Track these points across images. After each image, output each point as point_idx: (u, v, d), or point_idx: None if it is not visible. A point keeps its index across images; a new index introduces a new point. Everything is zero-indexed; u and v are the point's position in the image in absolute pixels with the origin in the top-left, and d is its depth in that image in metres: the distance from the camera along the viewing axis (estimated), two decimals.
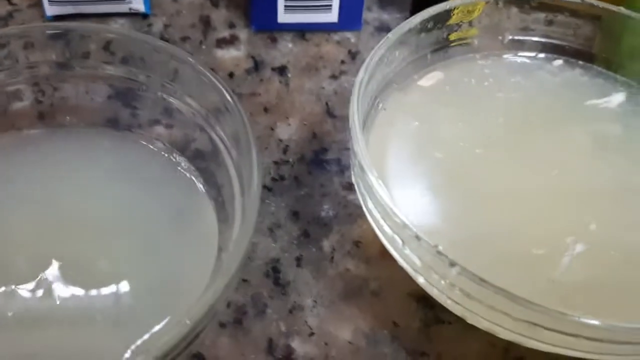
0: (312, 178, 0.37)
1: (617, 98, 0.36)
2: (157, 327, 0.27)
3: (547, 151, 0.33)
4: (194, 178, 0.33)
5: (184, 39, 0.44)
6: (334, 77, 0.42)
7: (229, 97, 0.29)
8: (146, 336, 0.27)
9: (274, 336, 0.31)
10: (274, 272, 0.34)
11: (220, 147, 0.31)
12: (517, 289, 0.27)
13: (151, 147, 0.34)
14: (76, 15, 0.44)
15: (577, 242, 0.30)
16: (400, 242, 0.26)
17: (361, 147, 0.28)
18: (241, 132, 0.29)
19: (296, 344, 0.31)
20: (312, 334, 0.32)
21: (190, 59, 0.31)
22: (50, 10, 0.43)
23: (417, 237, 0.25)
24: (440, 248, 0.24)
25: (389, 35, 0.32)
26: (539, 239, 0.30)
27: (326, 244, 0.35)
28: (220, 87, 0.29)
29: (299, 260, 0.34)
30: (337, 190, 0.37)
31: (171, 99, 0.33)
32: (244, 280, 0.33)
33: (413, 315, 0.32)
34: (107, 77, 0.34)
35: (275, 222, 0.35)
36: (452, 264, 0.24)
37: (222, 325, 0.32)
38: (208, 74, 0.30)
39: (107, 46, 0.34)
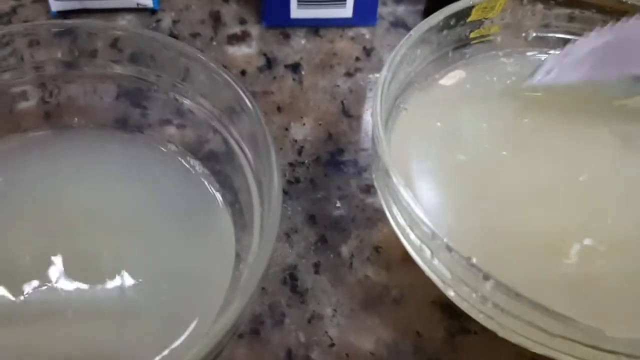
0: (329, 180, 0.36)
1: None
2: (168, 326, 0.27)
3: (575, 154, 0.32)
4: (207, 181, 0.32)
5: (194, 35, 0.42)
6: (348, 74, 0.41)
7: (244, 97, 0.28)
8: (166, 352, 0.26)
9: (293, 347, 0.30)
10: (291, 279, 0.32)
11: (235, 149, 0.30)
12: (550, 300, 0.26)
13: (162, 149, 0.33)
14: (82, 11, 0.43)
15: (609, 253, 0.28)
16: (428, 252, 0.25)
17: (385, 151, 0.26)
18: (258, 134, 0.27)
19: (316, 355, 0.30)
20: (332, 344, 0.30)
21: (202, 57, 0.29)
22: (55, 5, 0.42)
23: (449, 248, 0.24)
24: (474, 260, 0.23)
25: (411, 32, 0.31)
26: (570, 249, 0.28)
27: (344, 250, 0.33)
28: (235, 85, 0.28)
29: (317, 267, 0.33)
30: (354, 192, 0.36)
31: (183, 99, 0.32)
32: (262, 288, 0.32)
33: (437, 324, 0.31)
34: (115, 77, 0.33)
35: (292, 227, 0.34)
36: (486, 277, 0.23)
37: (240, 335, 0.30)
38: (221, 72, 0.28)
39: (114, 44, 0.32)
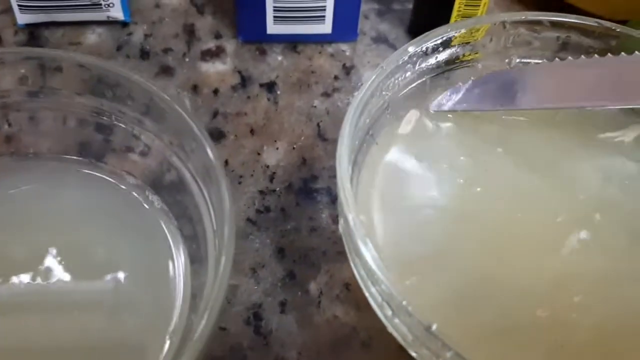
0: (300, 210, 0.35)
1: (634, 131, 0.33)
2: None
3: (553, 192, 0.30)
4: (164, 217, 0.31)
5: (166, 50, 0.41)
6: (326, 94, 0.39)
7: (198, 133, 0.27)
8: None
9: None
10: (255, 319, 0.31)
11: (192, 184, 0.29)
12: (526, 357, 0.25)
13: (120, 182, 0.32)
14: (50, 24, 0.41)
15: (585, 303, 0.27)
16: (390, 311, 0.24)
17: (347, 199, 0.25)
18: (211, 169, 0.26)
19: None
20: None
21: (160, 92, 0.28)
22: (22, 18, 0.40)
23: (409, 313, 0.22)
24: (434, 328, 0.22)
25: (382, 65, 0.29)
26: (544, 299, 0.27)
27: (313, 287, 0.32)
28: (190, 121, 0.27)
29: (283, 306, 0.31)
30: (326, 224, 0.34)
31: (143, 132, 0.31)
32: (222, 329, 0.31)
33: None
34: (77, 107, 0.32)
35: (259, 262, 0.33)
36: (446, 348, 0.21)
37: None
38: (179, 109, 0.28)
39: (78, 74, 0.31)
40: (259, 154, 0.37)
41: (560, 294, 0.27)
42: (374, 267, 0.23)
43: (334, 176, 0.35)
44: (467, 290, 0.27)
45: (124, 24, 0.42)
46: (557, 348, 0.26)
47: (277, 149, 0.37)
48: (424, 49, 0.31)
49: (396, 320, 0.24)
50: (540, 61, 0.34)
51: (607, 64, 0.31)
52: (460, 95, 0.33)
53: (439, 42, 0.31)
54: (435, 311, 0.24)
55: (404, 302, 0.22)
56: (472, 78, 0.33)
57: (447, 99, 0.33)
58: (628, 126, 0.33)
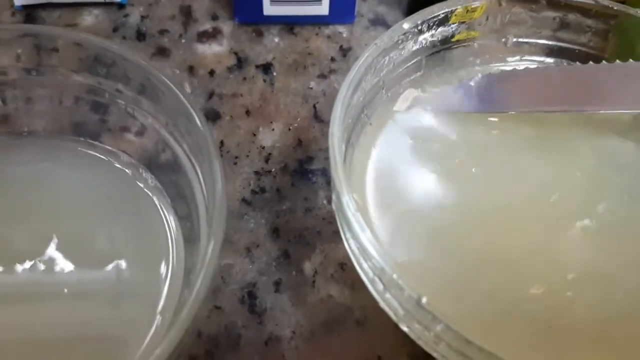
0: (296, 190, 0.35)
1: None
2: None
3: (548, 170, 0.30)
4: (158, 195, 0.30)
5: (162, 32, 0.41)
6: (322, 76, 0.39)
7: (193, 113, 0.27)
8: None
9: None
10: (249, 298, 0.31)
11: (186, 163, 0.29)
12: (515, 335, 0.25)
13: (115, 161, 0.32)
14: (47, 5, 0.41)
15: (579, 281, 0.27)
16: (381, 285, 0.24)
17: (340, 176, 0.25)
18: (204, 148, 0.26)
19: None
20: None
21: (155, 71, 0.28)
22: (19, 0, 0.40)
23: (400, 287, 0.22)
24: (424, 301, 0.22)
25: (376, 42, 0.29)
26: (538, 276, 0.27)
27: (308, 266, 0.32)
28: (185, 101, 0.27)
29: (277, 285, 0.31)
30: (321, 204, 0.34)
31: (138, 111, 0.31)
32: (217, 307, 0.31)
33: (399, 349, 0.30)
34: (73, 86, 0.32)
35: (254, 241, 0.33)
36: (436, 320, 0.21)
37: (193, 358, 0.29)
38: (175, 89, 0.27)
39: (74, 52, 0.31)
40: (254, 134, 0.37)
41: (554, 271, 0.27)
42: (365, 242, 0.23)
43: None
44: (461, 269, 0.27)
45: (120, 6, 0.41)
46: (549, 326, 0.26)
47: (273, 130, 0.37)
48: (419, 26, 0.31)
49: (387, 295, 0.24)
50: (538, 41, 0.34)
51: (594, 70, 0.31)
52: (453, 96, 0.33)
53: (434, 19, 0.31)
54: (429, 290, 0.24)
55: (395, 276, 0.22)
56: (462, 81, 0.33)
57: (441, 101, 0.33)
58: None
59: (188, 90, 0.37)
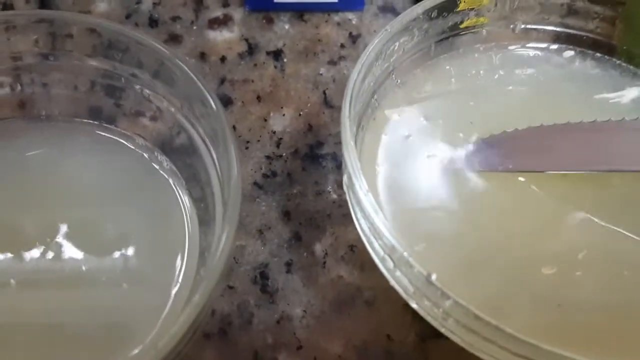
0: (306, 174, 0.35)
1: (632, 93, 0.33)
2: None
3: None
4: (173, 178, 0.31)
5: (174, 18, 0.41)
6: (332, 62, 0.40)
7: (207, 95, 0.27)
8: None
9: (260, 349, 0.30)
10: (262, 278, 0.32)
11: (200, 146, 0.29)
12: (524, 313, 0.26)
13: (131, 143, 0.32)
14: None
15: (589, 259, 0.27)
16: (391, 263, 0.24)
17: (351, 156, 0.25)
18: (221, 133, 0.27)
19: (283, 358, 0.30)
20: (300, 347, 0.30)
21: (173, 57, 0.29)
22: None
23: (410, 264, 0.23)
24: (434, 277, 0.22)
25: (387, 27, 0.30)
26: (548, 256, 0.27)
27: (318, 248, 0.33)
28: (200, 85, 0.28)
29: (289, 266, 0.32)
30: (332, 188, 0.35)
31: (153, 95, 0.31)
32: (230, 287, 0.31)
33: (408, 328, 0.31)
34: (89, 70, 0.32)
35: (266, 224, 0.33)
36: (445, 296, 0.22)
37: (207, 336, 0.30)
38: (190, 72, 0.28)
39: (90, 37, 0.31)
40: (265, 120, 0.37)
41: (564, 250, 0.28)
42: (376, 220, 0.24)
43: (340, 142, 0.36)
44: (470, 251, 0.28)
45: None
46: (558, 304, 0.27)
47: (284, 115, 0.37)
48: (429, 12, 0.31)
49: (397, 273, 0.24)
50: (546, 27, 0.34)
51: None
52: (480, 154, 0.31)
53: (444, 5, 0.31)
54: (438, 270, 0.24)
55: (405, 254, 0.23)
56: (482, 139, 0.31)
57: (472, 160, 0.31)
58: (624, 88, 0.33)
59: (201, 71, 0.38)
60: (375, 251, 0.25)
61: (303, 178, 0.35)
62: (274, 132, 0.37)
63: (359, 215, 0.26)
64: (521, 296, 0.27)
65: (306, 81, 0.39)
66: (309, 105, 0.38)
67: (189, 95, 0.29)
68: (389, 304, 0.31)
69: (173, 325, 0.22)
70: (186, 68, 0.28)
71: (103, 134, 0.33)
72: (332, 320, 0.31)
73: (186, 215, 0.30)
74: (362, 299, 0.31)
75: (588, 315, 0.27)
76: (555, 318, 0.26)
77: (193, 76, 0.28)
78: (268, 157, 0.36)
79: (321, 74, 0.39)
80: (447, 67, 0.34)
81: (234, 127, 0.37)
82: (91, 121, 0.33)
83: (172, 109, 0.31)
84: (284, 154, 0.36)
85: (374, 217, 0.24)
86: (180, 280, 0.29)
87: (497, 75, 0.34)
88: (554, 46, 0.34)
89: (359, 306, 0.31)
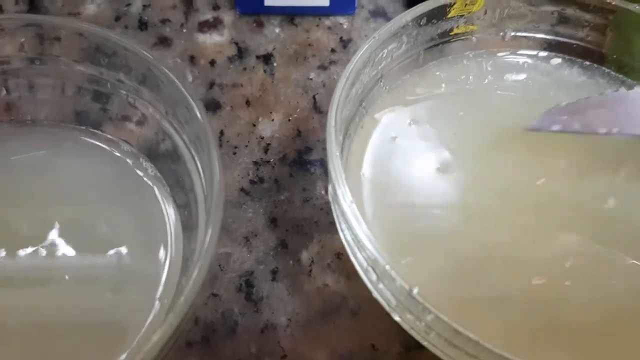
0: (294, 181, 0.35)
1: None
2: None
3: (534, 159, 0.31)
4: (158, 184, 0.31)
5: (164, 21, 0.41)
6: (322, 67, 0.39)
7: (192, 103, 0.27)
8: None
9: (244, 358, 0.30)
10: (247, 286, 0.32)
11: (185, 152, 0.29)
12: (511, 326, 0.25)
13: (116, 149, 0.32)
14: None
15: (575, 267, 0.27)
16: (374, 275, 0.24)
17: (336, 166, 0.25)
18: (203, 139, 0.27)
19: None
20: (284, 356, 0.30)
21: (158, 63, 0.28)
22: None
23: (392, 278, 0.23)
24: (415, 292, 0.22)
25: (375, 35, 0.29)
26: (538, 265, 0.27)
27: (305, 256, 0.33)
28: (185, 92, 0.28)
29: (274, 274, 0.32)
30: (320, 195, 0.35)
31: (139, 101, 0.31)
32: (215, 295, 0.31)
33: (393, 338, 0.30)
34: (75, 75, 0.32)
35: (252, 230, 0.33)
36: (427, 311, 0.22)
37: (190, 344, 0.30)
38: (174, 79, 0.28)
39: (76, 42, 0.31)
40: (254, 125, 0.37)
41: (552, 260, 0.27)
42: (359, 232, 0.24)
43: None
44: (456, 263, 0.27)
45: None
46: (547, 317, 0.27)
47: (273, 120, 0.37)
48: (418, 20, 0.31)
49: (380, 285, 0.24)
50: (536, 35, 0.34)
51: None
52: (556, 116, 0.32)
53: (433, 13, 0.31)
54: (423, 282, 0.24)
55: (387, 267, 0.23)
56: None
57: (545, 121, 0.31)
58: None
59: (190, 79, 0.38)
60: (359, 262, 0.25)
61: (291, 184, 0.35)
62: (262, 138, 0.36)
63: (343, 226, 0.26)
64: (508, 308, 0.27)
65: (296, 86, 0.39)
66: (298, 110, 0.38)
67: (173, 102, 0.29)
68: (374, 313, 0.31)
69: (155, 332, 0.22)
70: (171, 75, 0.28)
71: (89, 139, 0.32)
72: (317, 329, 0.30)
73: (170, 221, 0.30)
74: (348, 308, 0.31)
75: (575, 328, 0.27)
76: (541, 331, 0.26)
77: (178, 83, 0.28)
78: (256, 163, 0.36)
79: (311, 79, 0.39)
80: (437, 73, 0.34)
81: (222, 132, 0.36)
82: (77, 126, 0.33)
83: (157, 116, 0.30)
84: (272, 160, 0.36)
85: (356, 229, 0.24)
86: (163, 285, 0.29)
87: (486, 81, 0.34)
88: (543, 53, 0.34)
89: (345, 315, 0.31)
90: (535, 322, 0.27)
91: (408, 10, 0.31)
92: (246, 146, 0.36)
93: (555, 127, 0.30)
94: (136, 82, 0.31)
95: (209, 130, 0.26)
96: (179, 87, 0.28)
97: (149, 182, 0.31)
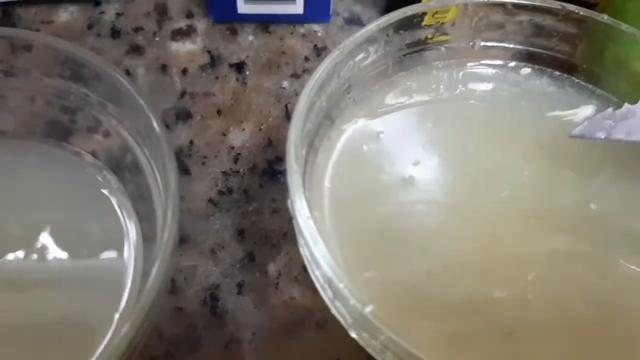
0: (263, 191, 0.35)
1: (586, 111, 0.32)
2: None
3: (500, 169, 0.31)
4: (119, 197, 0.31)
5: (137, 29, 0.41)
6: (295, 75, 0.39)
7: (152, 119, 0.27)
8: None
9: None
10: (212, 299, 0.31)
11: (146, 167, 0.29)
12: (473, 343, 0.25)
13: (80, 162, 0.32)
14: (23, 2, 0.41)
15: (538, 281, 0.27)
16: (331, 293, 0.24)
17: (294, 181, 0.25)
18: (160, 155, 0.26)
19: None
20: None
21: (121, 78, 0.28)
22: None
23: (346, 297, 0.22)
24: (368, 310, 0.22)
25: (340, 47, 0.29)
26: (499, 278, 0.27)
27: (272, 268, 0.32)
28: (144, 105, 0.27)
29: (240, 287, 0.32)
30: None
31: (105, 116, 0.31)
32: (179, 309, 0.31)
33: (358, 352, 0.30)
34: (43, 87, 0.32)
35: (219, 242, 0.33)
36: (380, 331, 0.21)
37: (153, 358, 0.30)
38: (135, 94, 0.28)
39: (46, 56, 0.31)
40: (224, 134, 0.37)
41: (514, 272, 0.27)
42: (314, 250, 0.23)
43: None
44: (420, 279, 0.27)
45: (96, 3, 0.41)
46: (508, 333, 0.26)
47: (243, 129, 0.37)
48: (386, 30, 0.31)
49: (337, 303, 0.24)
50: (507, 45, 0.34)
51: None
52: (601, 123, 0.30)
53: (402, 23, 0.31)
54: (383, 299, 0.24)
55: (341, 285, 0.22)
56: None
57: (590, 127, 0.30)
58: (579, 105, 0.33)
59: (161, 88, 0.37)
60: (317, 279, 0.25)
61: (260, 195, 0.35)
62: (233, 147, 0.36)
63: (302, 242, 0.25)
64: (471, 325, 0.26)
65: (268, 94, 0.38)
66: (270, 119, 0.37)
67: (135, 115, 0.28)
68: (339, 327, 0.30)
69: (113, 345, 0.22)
70: (132, 90, 0.28)
71: (55, 151, 0.32)
72: (282, 343, 0.30)
73: (131, 233, 0.30)
74: (314, 321, 0.31)
75: (537, 343, 0.26)
76: (504, 348, 0.26)
77: (137, 97, 0.27)
78: (225, 173, 0.35)
79: (284, 88, 0.39)
80: (408, 83, 0.34)
81: (191, 142, 0.36)
82: (44, 138, 0.33)
83: (121, 129, 0.30)
84: (242, 170, 0.35)
85: (312, 246, 0.23)
86: (125, 298, 0.29)
87: (457, 91, 0.34)
88: (512, 63, 0.34)
89: (310, 329, 0.31)
90: (499, 337, 0.26)
91: (375, 20, 0.31)
92: (216, 156, 0.36)
93: (600, 135, 0.30)
94: (101, 96, 0.31)
95: (164, 142, 0.26)
96: (138, 101, 0.27)
97: (112, 195, 0.31)
